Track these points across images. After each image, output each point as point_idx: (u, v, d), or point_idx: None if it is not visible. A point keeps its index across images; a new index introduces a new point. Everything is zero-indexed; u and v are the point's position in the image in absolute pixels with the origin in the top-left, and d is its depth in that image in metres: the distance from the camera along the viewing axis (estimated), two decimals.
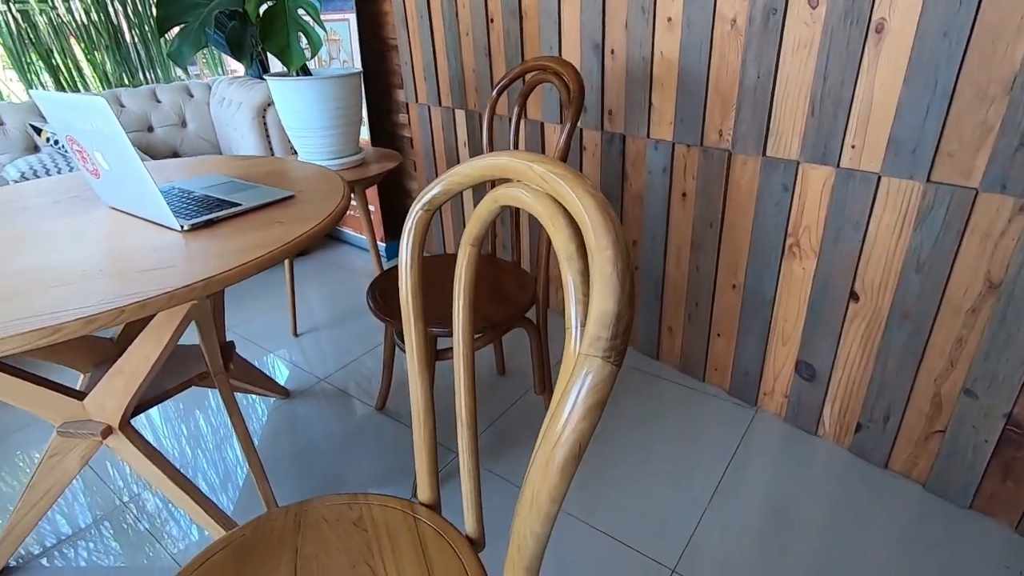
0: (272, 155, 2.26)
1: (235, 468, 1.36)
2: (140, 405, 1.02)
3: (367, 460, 1.38)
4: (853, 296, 1.20)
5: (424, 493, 0.72)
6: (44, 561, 1.15)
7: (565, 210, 0.45)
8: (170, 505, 1.26)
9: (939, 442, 1.17)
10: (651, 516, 1.20)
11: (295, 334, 1.91)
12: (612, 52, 1.43)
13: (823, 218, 1.19)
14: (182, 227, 0.89)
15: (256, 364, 1.75)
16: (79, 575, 1.11)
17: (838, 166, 1.13)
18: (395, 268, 1.37)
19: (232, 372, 1.15)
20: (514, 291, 1.25)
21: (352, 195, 1.66)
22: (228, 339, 1.29)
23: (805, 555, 1.10)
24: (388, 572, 0.63)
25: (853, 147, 1.10)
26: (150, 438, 1.47)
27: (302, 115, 1.51)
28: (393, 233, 2.55)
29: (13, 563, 1.14)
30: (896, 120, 1.03)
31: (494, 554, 1.12)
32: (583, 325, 0.41)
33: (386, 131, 2.39)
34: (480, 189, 2.05)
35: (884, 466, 1.28)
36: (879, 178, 1.09)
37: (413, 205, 0.62)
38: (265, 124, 2.23)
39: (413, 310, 0.64)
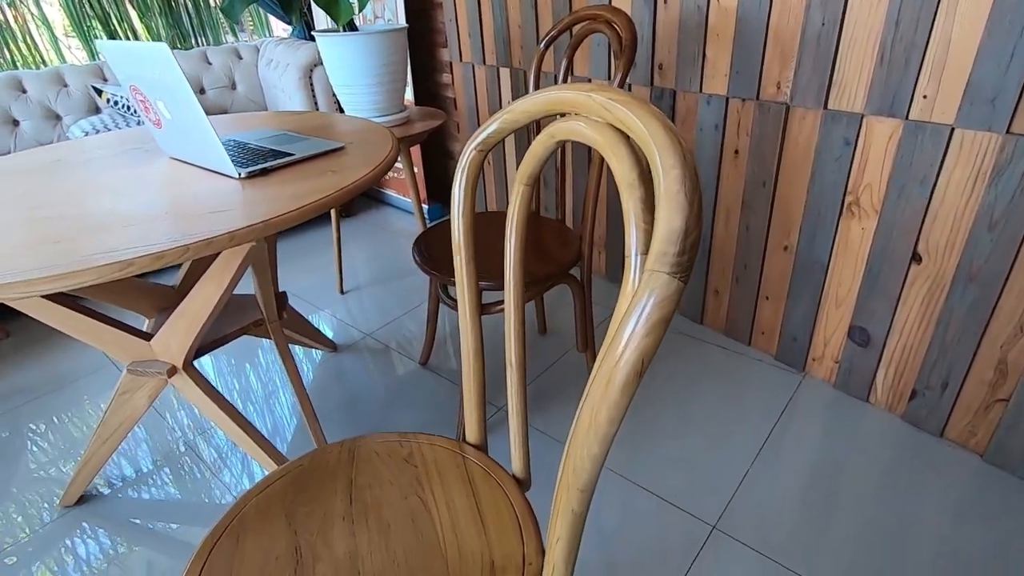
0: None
1: (287, 412, 1.43)
2: (201, 348, 1.07)
3: (411, 412, 1.42)
4: (915, 257, 1.15)
5: (472, 434, 0.74)
6: (117, 491, 1.23)
7: (626, 139, 0.44)
8: (227, 448, 1.33)
9: (1001, 411, 1.12)
10: (692, 474, 1.20)
11: (341, 292, 1.96)
12: (665, 1, 1.38)
13: (887, 175, 1.13)
14: (239, 175, 0.91)
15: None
16: (148, 506, 1.19)
17: (907, 118, 1.07)
18: (440, 224, 1.38)
19: (284, 322, 1.20)
20: (558, 248, 1.25)
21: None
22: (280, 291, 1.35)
23: (852, 521, 1.08)
24: (439, 504, 0.66)
25: (925, 97, 1.04)
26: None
27: (349, 71, 1.52)
28: (435, 195, 2.56)
29: (92, 491, 1.23)
30: (975, 67, 0.96)
31: (536, 499, 1.14)
32: (643, 253, 0.40)
33: (429, 91, 2.38)
34: (524, 141, 2.03)
35: (940, 435, 1.23)
36: (952, 130, 1.02)
37: (467, 145, 0.62)
38: (312, 84, 2.25)
39: (465, 252, 0.64)
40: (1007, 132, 0.96)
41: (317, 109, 2.28)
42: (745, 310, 1.52)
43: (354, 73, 1.52)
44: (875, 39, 1.07)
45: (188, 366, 1.01)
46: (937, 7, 0.98)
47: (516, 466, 0.70)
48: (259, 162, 0.96)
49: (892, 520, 1.08)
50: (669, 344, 1.60)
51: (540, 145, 0.56)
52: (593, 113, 0.47)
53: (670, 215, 0.32)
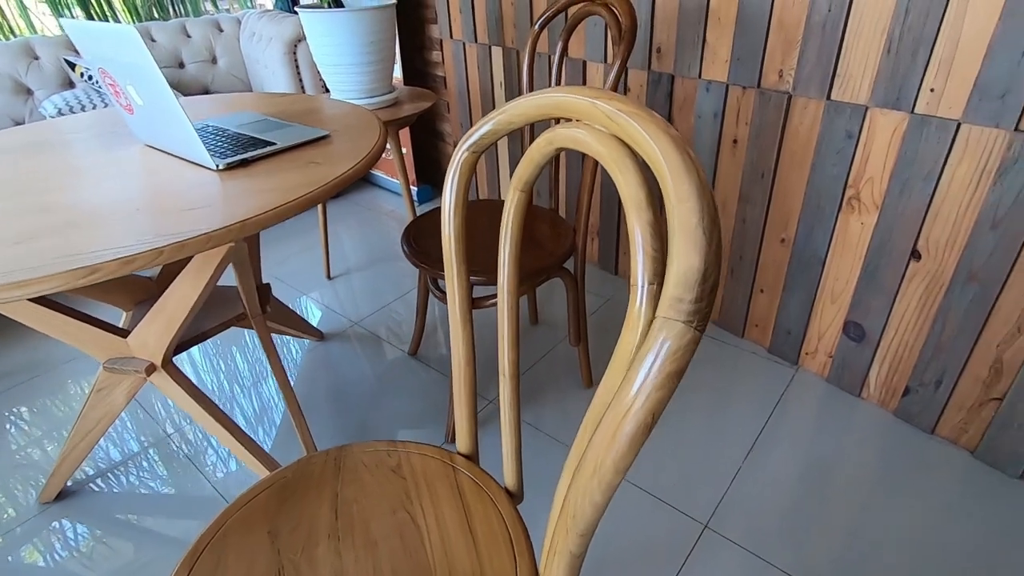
0: (304, 93, 2.21)
1: (273, 406, 1.40)
2: (181, 344, 1.03)
3: (400, 403, 1.39)
4: (915, 254, 1.13)
5: (463, 444, 0.72)
6: (95, 485, 1.20)
7: (633, 153, 0.40)
8: (210, 438, 1.30)
9: (994, 410, 1.12)
10: (684, 471, 1.19)
11: (328, 277, 1.92)
12: None
13: (889, 169, 1.11)
14: (217, 166, 0.86)
15: (291, 306, 1.77)
16: (128, 499, 1.17)
17: (912, 111, 1.04)
18: (430, 213, 1.34)
19: (269, 314, 1.16)
20: (551, 240, 1.21)
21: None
22: (264, 281, 1.29)
23: (842, 516, 1.08)
24: (427, 519, 0.63)
25: (932, 91, 1.00)
26: (192, 376, 1.51)
27: (334, 50, 1.45)
28: (425, 176, 2.50)
29: (70, 484, 1.20)
30: (986, 60, 0.93)
31: (527, 502, 1.13)
32: (652, 283, 0.37)
33: (418, 69, 2.30)
34: (517, 134, 1.98)
35: (931, 431, 1.23)
36: (959, 125, 0.99)
37: (459, 145, 0.58)
38: (296, 61, 2.17)
39: (456, 260, 0.61)
40: (1015, 129, 0.93)
41: (302, 86, 2.20)
42: (739, 302, 1.50)
43: (340, 52, 1.45)
44: (883, 28, 1.02)
45: (167, 363, 0.97)
46: None
47: (508, 480, 0.67)
48: (239, 152, 0.91)
49: (879, 515, 1.08)
50: None
51: (538, 151, 0.52)
52: (596, 122, 0.43)
53: (686, 253, 0.29)
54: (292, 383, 1.47)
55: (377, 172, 2.56)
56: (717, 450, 1.23)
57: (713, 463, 1.21)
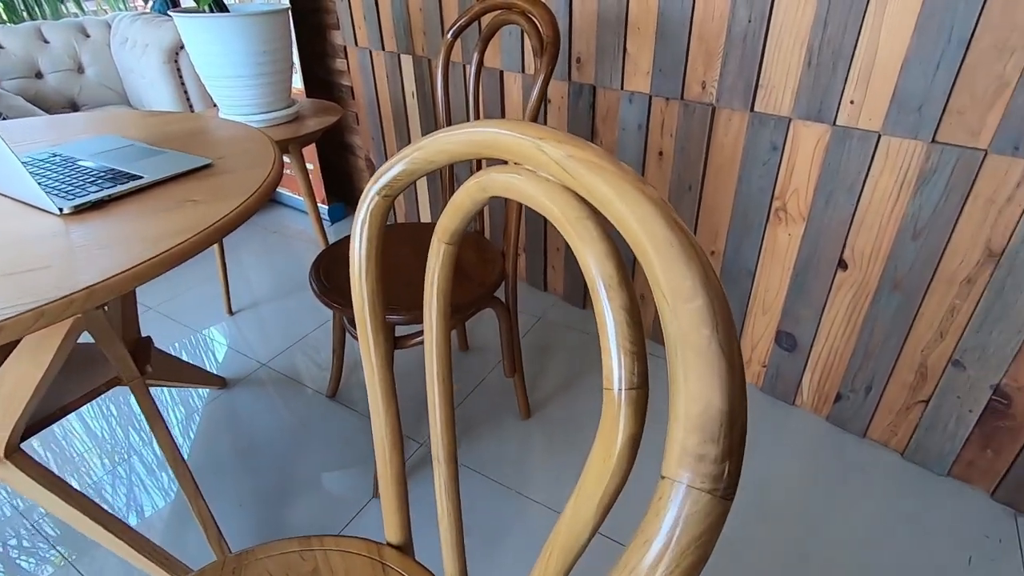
0: (191, 109, 1.98)
1: (168, 484, 1.20)
2: (33, 426, 0.84)
3: (319, 454, 1.24)
4: (841, 264, 1.13)
5: (393, 533, 0.60)
6: None
7: (594, 211, 0.32)
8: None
9: (920, 412, 1.14)
10: (626, 500, 1.13)
11: (230, 312, 1.71)
12: None
13: (814, 181, 1.10)
14: (61, 210, 0.69)
15: (186, 350, 1.56)
16: None
17: (834, 123, 1.03)
18: (342, 242, 1.20)
19: (152, 372, 0.98)
20: (479, 268, 1.12)
21: (287, 155, 1.45)
22: (144, 335, 1.09)
23: (780, 522, 1.06)
24: None
25: (852, 103, 1.00)
26: (54, 460, 1.27)
27: (220, 60, 1.27)
28: (335, 193, 2.33)
29: None
30: (903, 73, 0.93)
31: (470, 554, 1.03)
32: (632, 388, 0.28)
33: (322, 79, 2.13)
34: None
35: (862, 435, 1.25)
36: (879, 137, 0.99)
37: (367, 189, 0.47)
38: (179, 71, 1.94)
39: (373, 331, 0.50)
40: (932, 141, 0.94)
41: (188, 101, 1.97)
42: None
43: (227, 63, 1.28)
44: (802, 40, 1.01)
45: (14, 453, 0.78)
46: (866, 10, 0.93)
47: (449, 572, 0.57)
48: (92, 189, 0.74)
49: (816, 519, 1.07)
50: (592, 356, 1.53)
51: (468, 198, 0.42)
52: (543, 168, 0.34)
53: (700, 385, 0.21)
54: (189, 447, 1.27)
55: (283, 190, 2.35)
56: (654, 471, 1.18)
57: (649, 482, 1.15)
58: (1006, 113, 0.87)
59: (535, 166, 0.34)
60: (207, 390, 1.40)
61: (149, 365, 0.94)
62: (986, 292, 0.98)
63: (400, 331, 1.58)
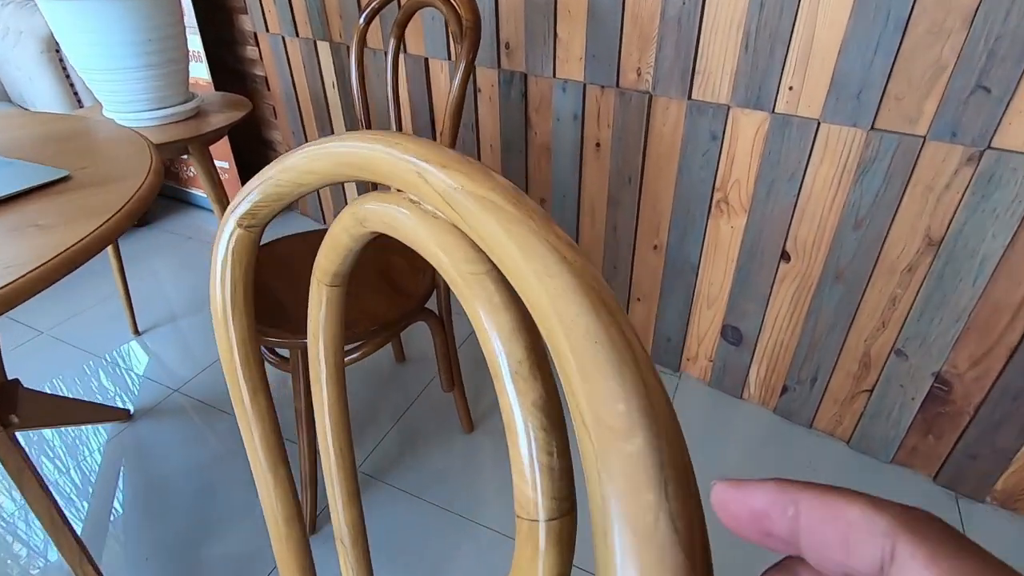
0: (80, 105, 1.77)
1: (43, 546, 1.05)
2: None
3: (240, 491, 1.12)
4: (784, 256, 1.10)
5: None
6: None
7: (495, 269, 0.23)
8: None
9: (864, 401, 1.14)
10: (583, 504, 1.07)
11: (136, 332, 1.54)
12: None
13: (755, 170, 1.06)
14: None
15: (83, 380, 1.38)
16: None
17: (773, 111, 0.99)
18: (260, 248, 1.08)
19: (22, 422, 0.83)
20: (407, 278, 1.02)
21: (189, 156, 1.30)
22: (11, 378, 0.92)
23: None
24: None
25: (791, 89, 0.96)
26: None
27: (96, 51, 1.11)
28: None
29: None
30: (840, 57, 0.89)
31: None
32: (554, 517, 0.20)
33: (232, 69, 1.95)
34: None
35: (809, 426, 1.24)
36: (818, 125, 0.96)
37: (224, 219, 0.37)
38: (63, 63, 1.72)
39: (249, 391, 0.40)
40: (872, 128, 0.91)
41: (76, 95, 1.75)
42: None
43: (104, 55, 1.11)
44: (738, 23, 0.96)
45: None
46: None
47: None
48: None
49: None
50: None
51: (343, 231, 0.33)
52: (426, 199, 0.25)
53: (642, 566, 0.13)
54: (82, 496, 1.12)
55: (196, 191, 2.16)
56: None
57: None
58: (943, 99, 0.84)
59: (418, 196, 0.26)
60: (107, 427, 1.25)
61: (14, 415, 0.80)
62: (926, 281, 0.96)
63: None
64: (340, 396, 0.40)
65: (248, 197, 0.36)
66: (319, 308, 0.37)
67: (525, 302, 0.20)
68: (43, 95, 1.71)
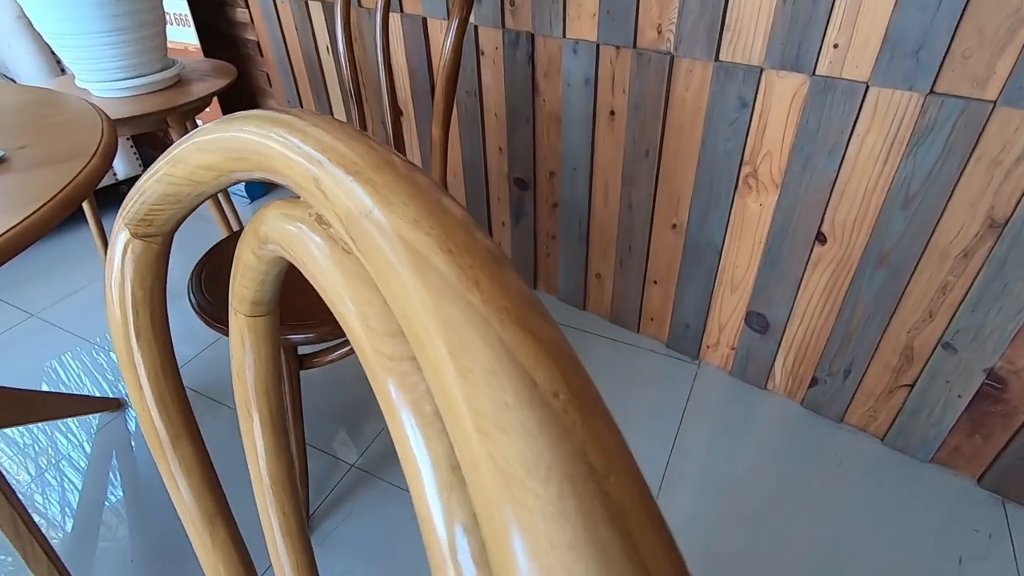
0: (63, 73, 1.67)
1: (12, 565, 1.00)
2: None
3: (234, 490, 1.06)
4: (820, 238, 0.99)
5: None
6: None
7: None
8: None
9: (904, 396, 1.04)
10: None
11: None
12: None
13: (789, 142, 0.94)
14: None
15: (73, 366, 1.33)
16: None
17: (813, 73, 0.87)
18: (232, 238, 0.99)
19: None
20: None
21: (171, 130, 1.20)
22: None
23: (750, 512, 0.96)
24: None
25: (835, 47, 0.83)
26: None
27: (59, 14, 1.01)
28: None
29: None
30: (897, 8, 0.76)
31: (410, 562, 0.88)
32: None
33: (222, 33, 1.83)
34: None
35: (839, 420, 1.15)
36: (867, 88, 0.83)
37: (115, 224, 0.28)
38: None
39: (170, 437, 0.31)
40: (931, 92, 0.79)
41: (59, 62, 1.65)
42: (632, 295, 1.32)
43: (67, 18, 1.01)
44: None
45: None
46: None
47: None
48: None
49: (791, 508, 0.97)
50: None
51: (249, 251, 0.24)
52: (331, 221, 0.16)
53: None
54: (68, 491, 1.07)
55: None
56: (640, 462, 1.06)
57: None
58: (1020, 58, 0.72)
59: (324, 215, 0.16)
60: (97, 418, 1.19)
61: None
62: (985, 267, 0.85)
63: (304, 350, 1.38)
64: (279, 448, 0.32)
65: (137, 199, 0.27)
66: (240, 344, 0.28)
67: (450, 433, 0.11)
68: (23, 63, 1.62)
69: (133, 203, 0.27)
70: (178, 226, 0.29)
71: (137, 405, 0.33)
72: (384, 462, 1.10)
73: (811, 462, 1.08)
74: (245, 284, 0.26)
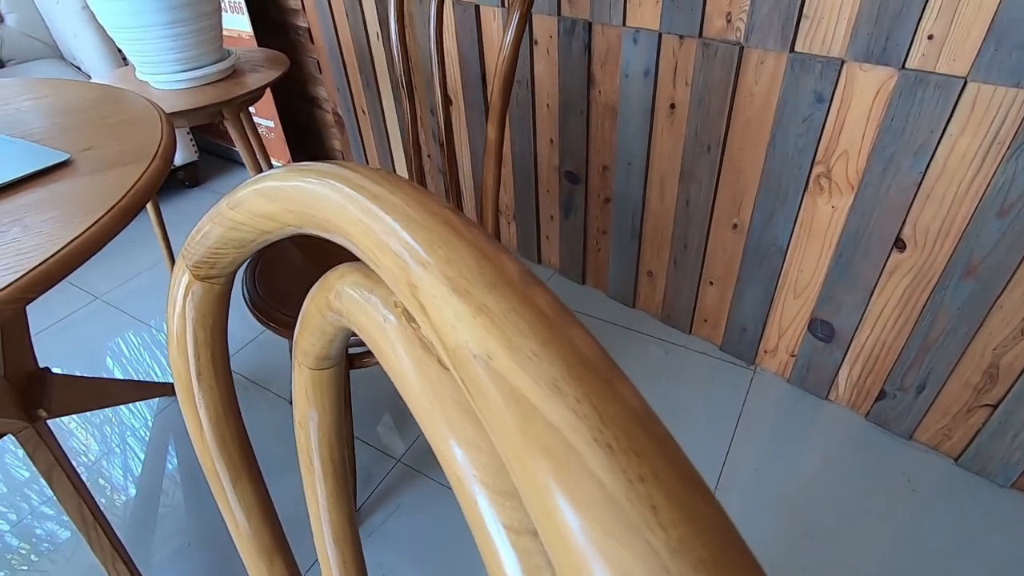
0: (125, 63, 1.71)
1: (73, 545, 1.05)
2: None
3: (283, 476, 1.09)
4: (898, 244, 0.92)
5: None
6: None
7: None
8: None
9: (985, 416, 0.96)
10: None
11: None
12: None
13: (870, 141, 0.87)
14: None
15: (132, 348, 1.38)
16: None
17: (903, 67, 0.79)
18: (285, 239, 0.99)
19: (54, 411, 0.80)
20: None
21: (226, 123, 1.22)
22: (42, 366, 0.88)
23: (807, 529, 0.91)
24: None
25: (930, 38, 0.76)
26: None
27: (120, 6, 1.02)
28: (303, 152, 2.08)
29: None
30: None
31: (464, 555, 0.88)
32: None
33: (274, 20, 1.84)
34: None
35: (908, 437, 1.08)
36: (964, 84, 0.76)
37: (177, 264, 0.27)
38: None
39: (240, 501, 0.30)
40: None
41: (120, 51, 1.69)
42: (685, 295, 1.27)
43: (127, 8, 1.02)
44: None
45: None
46: None
47: None
48: None
49: (854, 525, 0.92)
50: (599, 336, 1.34)
51: (317, 312, 0.22)
52: (422, 327, 0.13)
53: None
54: (127, 475, 1.12)
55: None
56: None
57: None
58: None
59: (412, 313, 0.14)
60: (155, 402, 1.24)
61: (43, 408, 0.76)
62: None
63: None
64: (340, 497, 0.30)
65: (200, 242, 0.25)
66: (304, 396, 0.27)
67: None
68: (88, 53, 1.67)
69: (195, 245, 0.26)
70: (239, 265, 0.28)
71: (198, 446, 0.32)
72: (429, 459, 1.10)
73: (876, 479, 1.02)
74: (311, 341, 0.24)
